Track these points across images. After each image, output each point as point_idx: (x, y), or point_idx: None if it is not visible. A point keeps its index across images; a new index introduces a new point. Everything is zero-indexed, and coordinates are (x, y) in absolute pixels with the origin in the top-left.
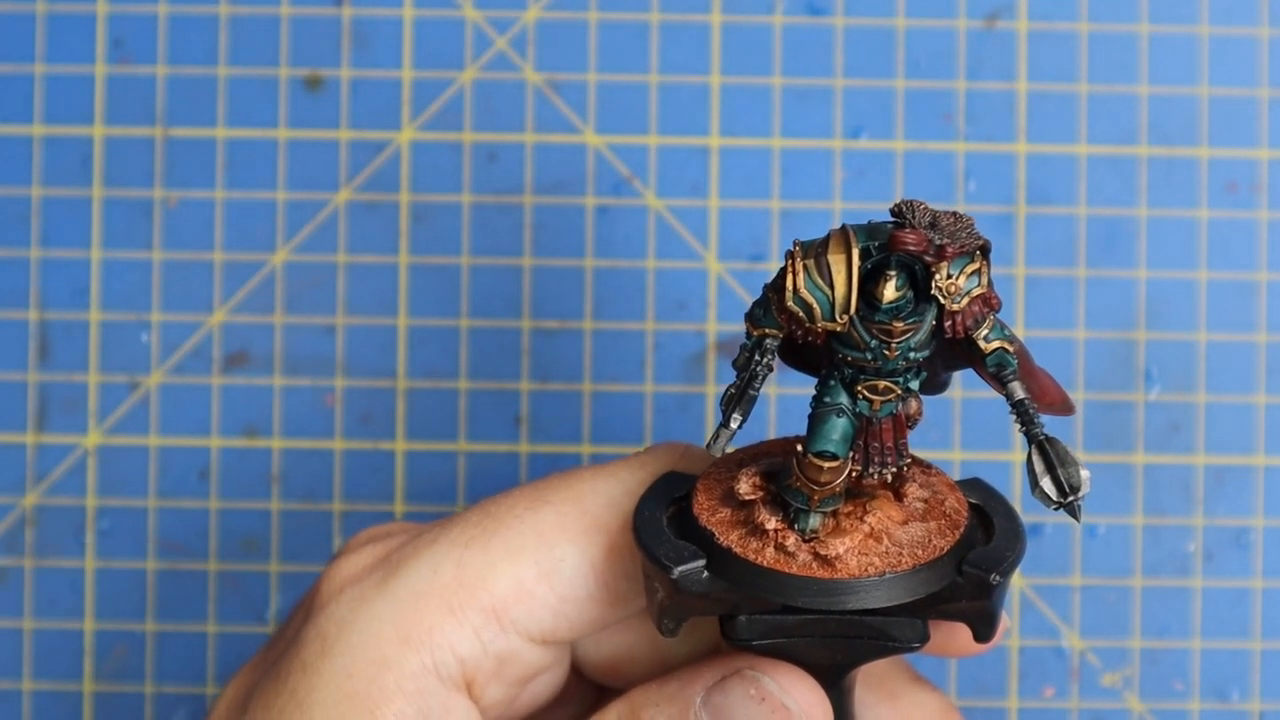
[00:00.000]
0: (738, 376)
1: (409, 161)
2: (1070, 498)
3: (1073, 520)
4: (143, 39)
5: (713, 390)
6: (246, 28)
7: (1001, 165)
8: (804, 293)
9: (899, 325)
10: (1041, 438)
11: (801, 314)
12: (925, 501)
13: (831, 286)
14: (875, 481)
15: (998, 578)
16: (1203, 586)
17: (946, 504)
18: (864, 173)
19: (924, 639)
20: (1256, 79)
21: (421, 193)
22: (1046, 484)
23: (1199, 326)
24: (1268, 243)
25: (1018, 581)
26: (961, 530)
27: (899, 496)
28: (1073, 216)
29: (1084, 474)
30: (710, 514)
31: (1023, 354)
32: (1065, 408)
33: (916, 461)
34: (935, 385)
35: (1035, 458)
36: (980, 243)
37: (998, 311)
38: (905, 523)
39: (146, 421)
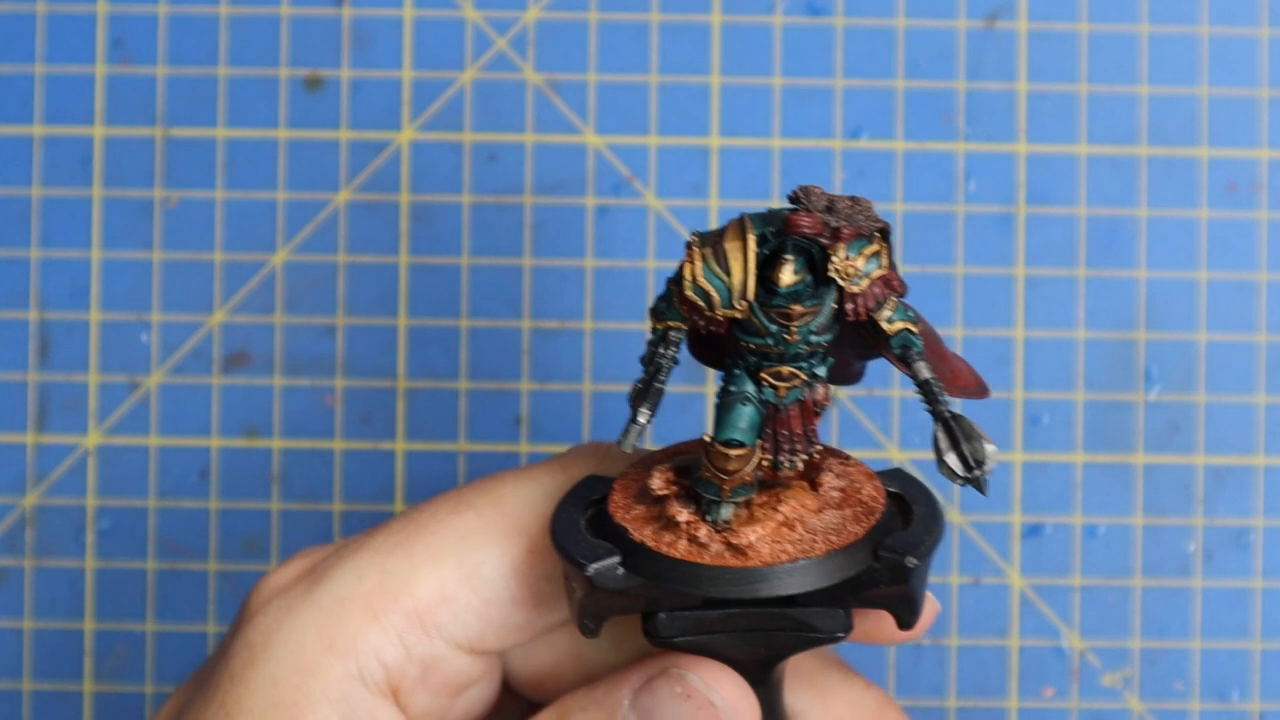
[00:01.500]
0: (644, 371)
1: (409, 161)
2: (975, 472)
3: (980, 494)
4: (143, 39)
5: (712, 390)
6: (246, 28)
7: (1001, 165)
8: (702, 281)
9: (797, 309)
10: (946, 415)
11: (701, 303)
12: (841, 490)
13: (729, 274)
14: (791, 473)
15: (914, 561)
16: (1203, 587)
17: (863, 492)
18: (864, 173)
19: (846, 629)
20: (1256, 79)
21: (421, 193)
22: (951, 459)
23: (1199, 327)
24: (1268, 243)
25: (1017, 581)
26: (878, 517)
27: (814, 486)
28: (1073, 216)
29: (989, 448)
30: (625, 511)
31: (930, 336)
32: (979, 390)
33: (834, 452)
34: (848, 375)
35: (940, 434)
36: (879, 225)
37: (901, 295)
38: (820, 511)
39: (146, 421)
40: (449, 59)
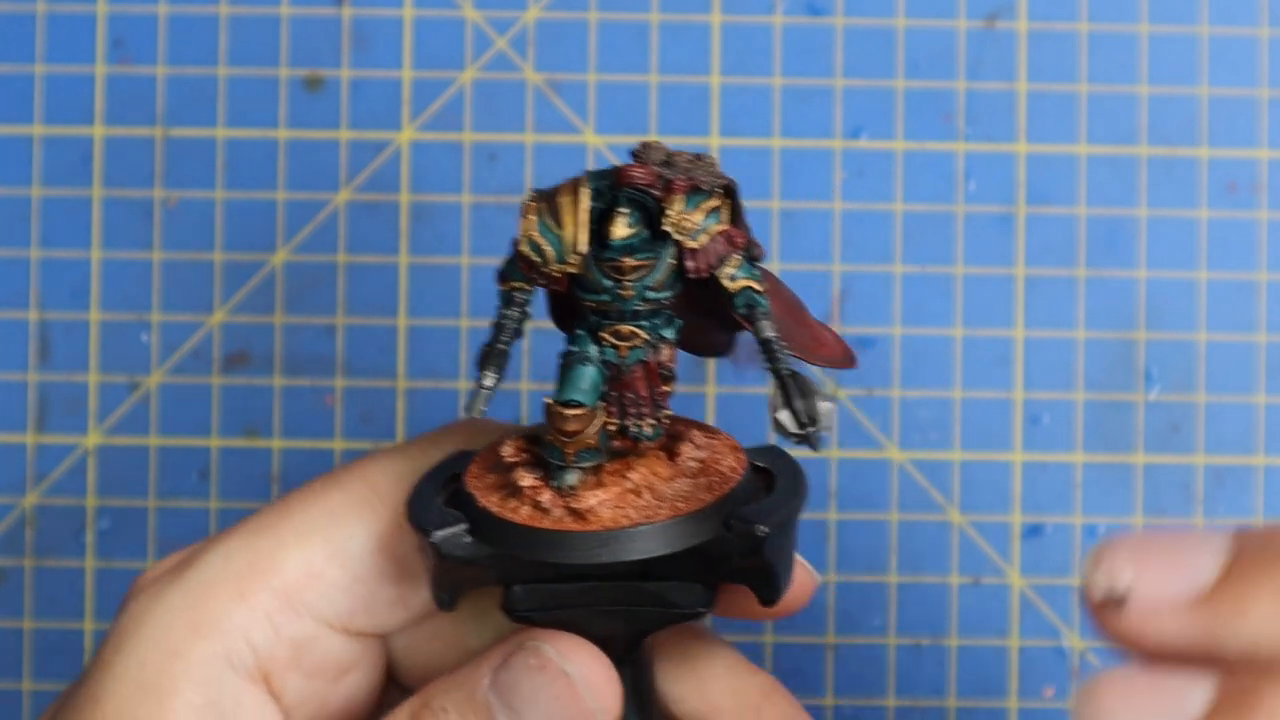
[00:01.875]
0: (490, 334)
1: (409, 162)
2: (808, 429)
3: (812, 451)
4: (143, 39)
5: (713, 390)
6: (246, 28)
7: (1001, 165)
8: (537, 237)
9: (629, 262)
10: (785, 373)
11: (536, 259)
12: (700, 462)
13: (561, 227)
14: (649, 445)
15: (764, 529)
16: None
17: (723, 463)
18: (864, 173)
19: (707, 604)
20: (1256, 79)
21: (421, 193)
22: (784, 416)
23: (1199, 327)
24: (1268, 243)
25: (1017, 581)
26: (733, 486)
27: (672, 456)
28: (1072, 216)
29: (824, 405)
30: (478, 480)
31: (791, 304)
32: (847, 360)
33: (699, 425)
34: (713, 345)
35: (776, 391)
36: (722, 181)
37: (749, 254)
38: (672, 479)
39: (146, 421)
40: (449, 59)
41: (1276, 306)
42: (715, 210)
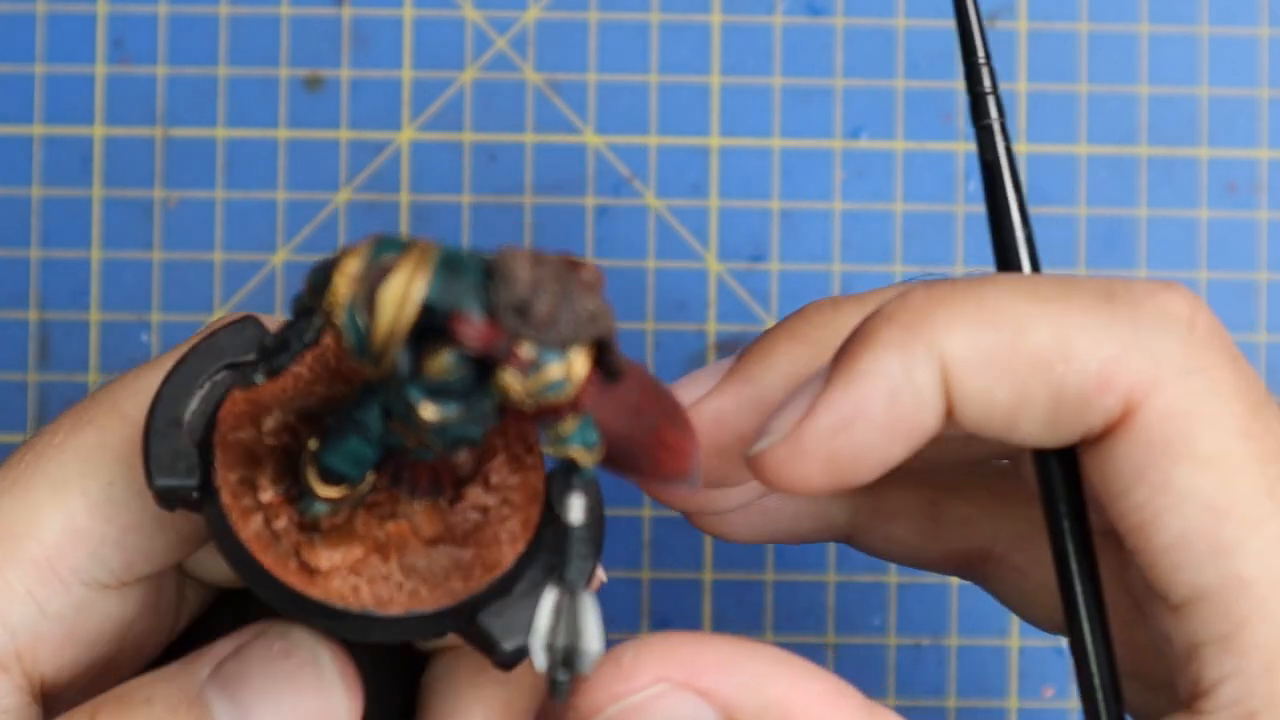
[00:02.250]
0: (278, 337)
1: (409, 162)
2: (557, 674)
3: (553, 695)
4: (143, 39)
5: None
6: (246, 28)
7: None
8: (339, 312)
9: (429, 409)
10: (564, 589)
11: (328, 317)
12: (483, 514)
13: (370, 325)
14: (419, 499)
15: (509, 648)
16: None
17: (510, 524)
18: (864, 173)
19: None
20: (1257, 79)
21: (421, 193)
22: (536, 642)
23: None
24: (1268, 243)
25: None
26: (502, 570)
27: (454, 499)
28: (1073, 217)
29: (592, 649)
30: (232, 427)
31: (644, 409)
32: (690, 479)
33: (524, 448)
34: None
35: (543, 607)
36: (594, 331)
37: (588, 414)
38: (433, 544)
39: None
40: (449, 59)
41: (1277, 307)
42: (564, 380)
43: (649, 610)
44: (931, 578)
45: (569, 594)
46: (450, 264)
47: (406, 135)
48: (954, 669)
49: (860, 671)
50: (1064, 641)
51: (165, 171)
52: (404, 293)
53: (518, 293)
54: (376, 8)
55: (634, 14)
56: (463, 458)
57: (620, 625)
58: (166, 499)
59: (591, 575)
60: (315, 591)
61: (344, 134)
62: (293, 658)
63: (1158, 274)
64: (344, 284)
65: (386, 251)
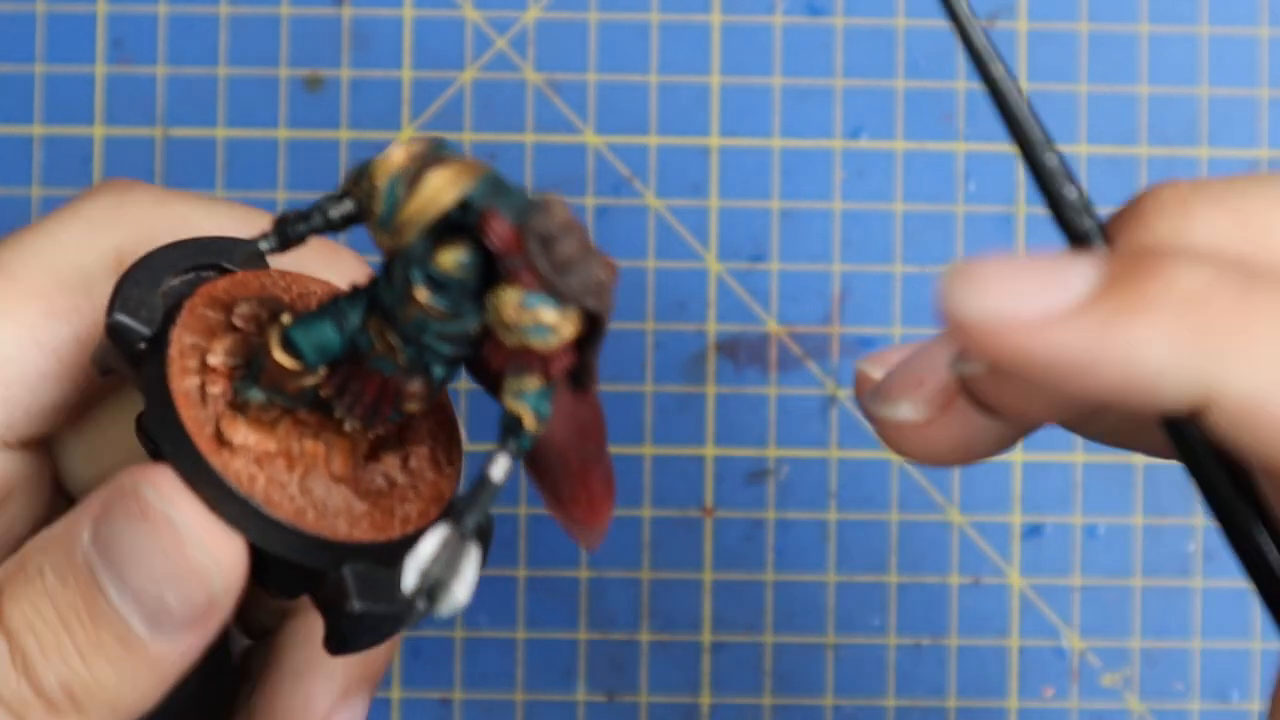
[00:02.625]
0: (297, 216)
1: None
2: (417, 600)
3: (403, 623)
4: (143, 39)
5: (713, 390)
6: (246, 28)
7: (1001, 165)
8: (383, 183)
9: (423, 296)
10: (461, 529)
11: (363, 195)
12: (391, 486)
13: (404, 200)
14: (376, 431)
15: (357, 608)
16: (1203, 586)
17: (408, 507)
18: (864, 173)
19: (286, 595)
20: (1257, 79)
21: None
22: (411, 566)
23: None
24: None
25: (1017, 581)
26: (386, 537)
27: (372, 455)
28: None
29: (459, 595)
30: (202, 304)
31: (584, 448)
32: (591, 536)
33: (444, 449)
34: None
35: (431, 538)
36: (593, 304)
37: (554, 385)
38: (337, 481)
39: None
40: (449, 59)
41: None
42: (551, 329)
43: (649, 610)
44: (931, 578)
45: (459, 536)
46: (498, 182)
47: (406, 135)
48: (954, 669)
49: (860, 672)
50: (1063, 641)
51: (165, 172)
52: (449, 180)
53: (550, 225)
54: (376, 8)
55: (634, 14)
56: (416, 387)
57: (620, 625)
58: (113, 337)
59: (483, 542)
60: (216, 461)
61: (344, 134)
62: (149, 517)
63: None
64: (399, 155)
65: (447, 149)
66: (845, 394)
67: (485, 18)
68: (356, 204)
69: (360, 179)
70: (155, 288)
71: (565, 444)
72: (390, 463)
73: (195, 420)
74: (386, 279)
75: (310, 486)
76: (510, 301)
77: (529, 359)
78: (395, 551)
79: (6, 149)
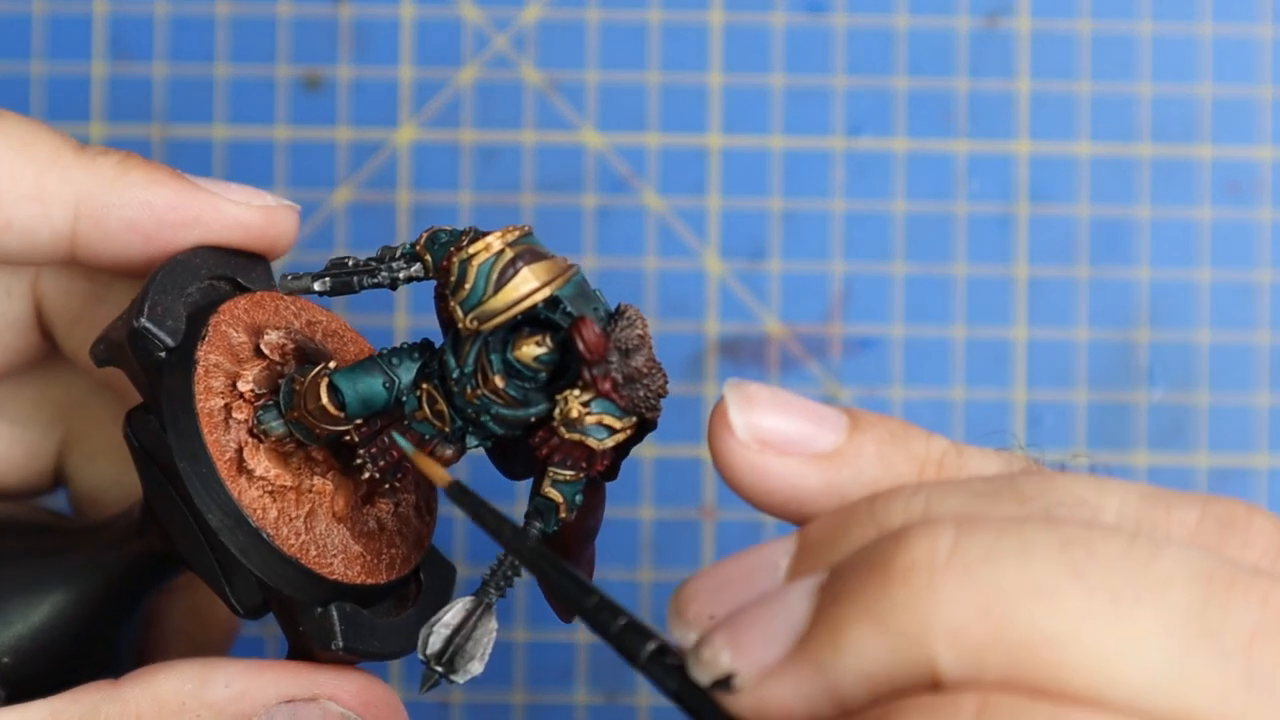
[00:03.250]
0: (363, 268)
1: (408, 161)
2: (436, 668)
3: (440, 681)
4: (141, 38)
5: (713, 390)
6: (245, 27)
7: (1002, 164)
8: (474, 266)
9: (500, 382)
10: (487, 600)
11: (453, 279)
12: (381, 529)
13: (497, 289)
14: (371, 473)
15: (338, 644)
16: None
17: (393, 552)
18: (864, 172)
19: (249, 612)
20: (1258, 77)
21: (420, 192)
22: (436, 634)
23: (1201, 326)
24: (1270, 242)
25: None
26: (375, 583)
27: (370, 499)
28: (1074, 216)
29: (474, 666)
30: (227, 322)
31: (587, 552)
32: (560, 611)
33: (425, 505)
34: (510, 468)
35: (459, 610)
36: (648, 412)
37: (591, 479)
38: (338, 520)
39: None
40: (448, 58)
41: (1278, 307)
42: (609, 430)
43: (649, 610)
44: None
45: (486, 610)
46: (583, 284)
47: (405, 134)
48: None
49: None
50: None
51: None
52: (541, 278)
53: (631, 338)
54: (375, 6)
55: (634, 13)
56: (449, 453)
57: None
58: (135, 341)
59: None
60: (234, 487)
61: (342, 133)
62: None
63: (1159, 273)
64: (498, 243)
65: (538, 242)
66: (846, 393)
67: (485, 17)
68: (425, 268)
69: (434, 247)
70: (180, 296)
71: (568, 524)
72: (383, 507)
73: (217, 443)
74: (454, 355)
75: (314, 524)
76: (579, 402)
77: (578, 453)
78: (378, 595)
79: None
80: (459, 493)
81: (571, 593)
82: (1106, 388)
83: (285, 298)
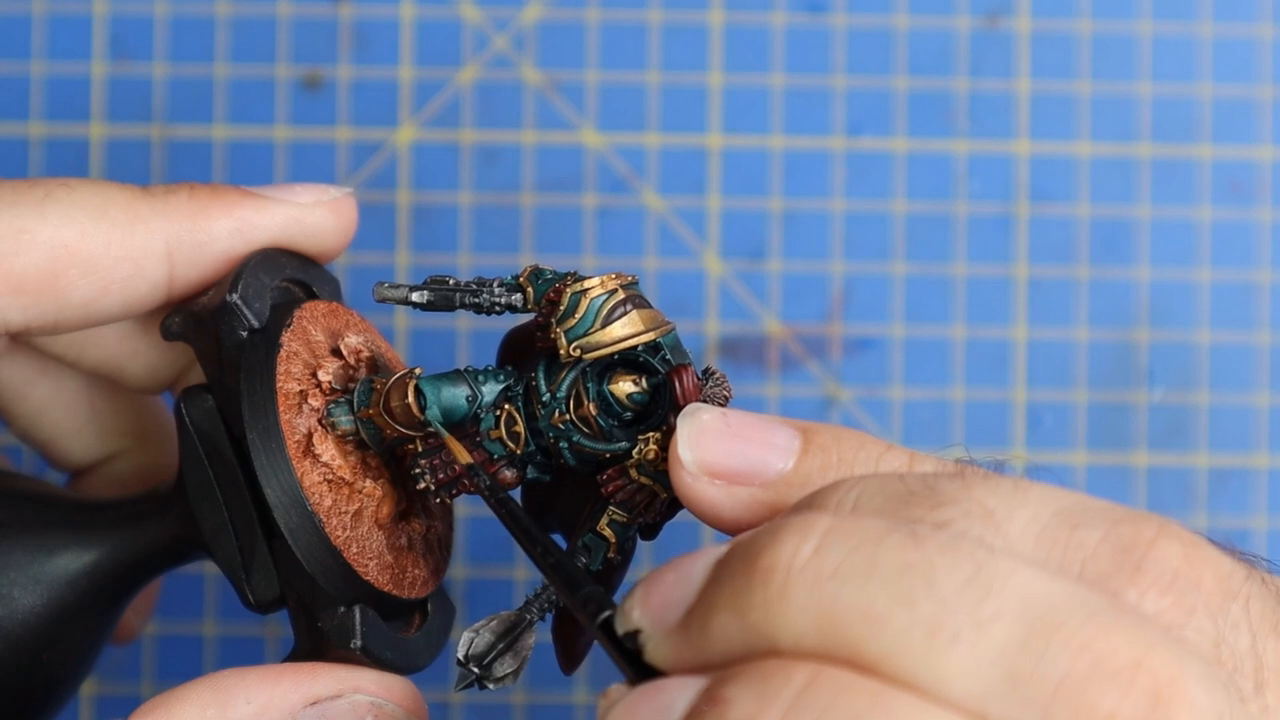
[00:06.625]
0: (465, 288)
1: (408, 161)
2: (471, 669)
3: (466, 687)
4: (141, 38)
5: None
6: (245, 27)
7: (1003, 164)
8: (587, 300)
9: (593, 410)
10: (531, 617)
11: (563, 309)
12: (409, 546)
13: (604, 325)
14: (426, 484)
15: (358, 643)
16: None
17: (418, 571)
18: (865, 172)
19: (263, 607)
20: (1258, 77)
21: (420, 192)
22: (480, 639)
23: (1201, 326)
24: (1270, 242)
25: None
26: (400, 597)
27: (408, 515)
28: (1074, 216)
29: (506, 671)
30: (311, 320)
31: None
32: (573, 664)
33: (445, 540)
34: (544, 515)
35: (501, 623)
36: None
37: (638, 526)
38: (378, 526)
39: None
40: (448, 58)
41: (1278, 306)
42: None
43: None
44: None
45: (529, 625)
46: (681, 344)
47: (405, 134)
48: None
49: None
50: None
51: (164, 170)
52: (648, 323)
53: (720, 396)
54: (374, 6)
55: (634, 12)
56: (510, 476)
57: None
58: (222, 315)
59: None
60: (298, 466)
61: (342, 133)
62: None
63: (1160, 273)
64: (610, 283)
65: (643, 294)
66: (845, 394)
67: (485, 17)
68: (525, 299)
69: (538, 282)
70: (267, 286)
71: (610, 566)
72: (416, 526)
73: (290, 424)
74: (546, 380)
75: (359, 524)
76: (659, 445)
77: (640, 498)
78: (395, 609)
79: (5, 147)
80: (474, 473)
81: (525, 545)
82: (1106, 388)
83: (355, 314)
